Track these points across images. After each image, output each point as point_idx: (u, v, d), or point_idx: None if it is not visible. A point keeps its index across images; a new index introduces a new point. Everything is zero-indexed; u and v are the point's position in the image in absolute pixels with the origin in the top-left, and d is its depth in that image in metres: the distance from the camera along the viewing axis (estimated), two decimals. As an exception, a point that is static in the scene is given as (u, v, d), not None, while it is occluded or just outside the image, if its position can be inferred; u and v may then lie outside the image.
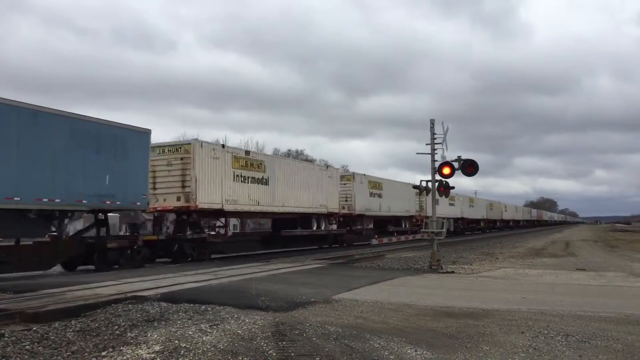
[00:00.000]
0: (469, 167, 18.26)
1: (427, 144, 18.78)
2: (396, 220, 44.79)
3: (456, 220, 53.96)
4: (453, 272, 17.63)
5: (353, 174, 36.80)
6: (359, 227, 37.92)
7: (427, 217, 44.73)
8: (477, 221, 72.02)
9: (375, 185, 39.82)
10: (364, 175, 38.76)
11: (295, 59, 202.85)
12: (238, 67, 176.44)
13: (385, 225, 42.93)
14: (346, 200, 35.09)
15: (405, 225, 46.41)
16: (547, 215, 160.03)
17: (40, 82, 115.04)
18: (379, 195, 39.98)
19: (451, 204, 54.40)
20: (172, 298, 10.72)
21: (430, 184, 18.88)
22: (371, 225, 39.80)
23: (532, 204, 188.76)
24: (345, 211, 35.03)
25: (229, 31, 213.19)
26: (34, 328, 8.14)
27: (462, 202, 62.68)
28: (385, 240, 39.42)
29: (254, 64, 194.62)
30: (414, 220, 46.95)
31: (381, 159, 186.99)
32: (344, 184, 35.42)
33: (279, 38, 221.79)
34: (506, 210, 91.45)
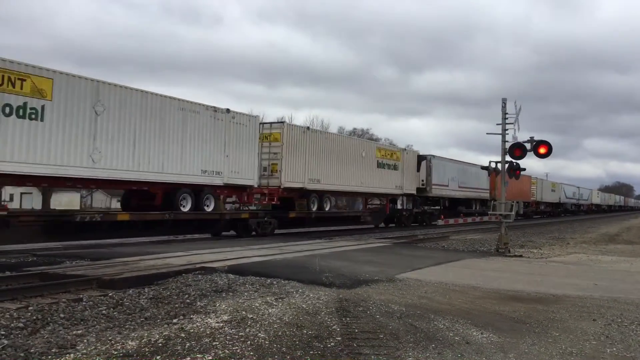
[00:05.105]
0: (542, 146, 17.57)
1: (497, 124, 18.25)
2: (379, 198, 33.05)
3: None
4: (521, 255, 17.20)
5: (282, 124, 24.58)
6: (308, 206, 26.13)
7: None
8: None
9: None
10: (303, 128, 26.48)
11: (344, 32, 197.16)
12: (287, 41, 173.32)
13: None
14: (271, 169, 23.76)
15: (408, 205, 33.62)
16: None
17: (93, 56, 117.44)
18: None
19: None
20: (239, 270, 10.99)
21: (499, 165, 18.42)
22: (327, 207, 28.10)
23: (606, 189, 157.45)
24: (270, 184, 23.62)
25: (274, 4, 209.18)
26: (110, 294, 8.57)
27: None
28: (451, 221, 38.50)
29: (304, 38, 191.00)
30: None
31: (442, 139, 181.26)
32: (269, 144, 23.80)
33: (325, 10, 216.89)
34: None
